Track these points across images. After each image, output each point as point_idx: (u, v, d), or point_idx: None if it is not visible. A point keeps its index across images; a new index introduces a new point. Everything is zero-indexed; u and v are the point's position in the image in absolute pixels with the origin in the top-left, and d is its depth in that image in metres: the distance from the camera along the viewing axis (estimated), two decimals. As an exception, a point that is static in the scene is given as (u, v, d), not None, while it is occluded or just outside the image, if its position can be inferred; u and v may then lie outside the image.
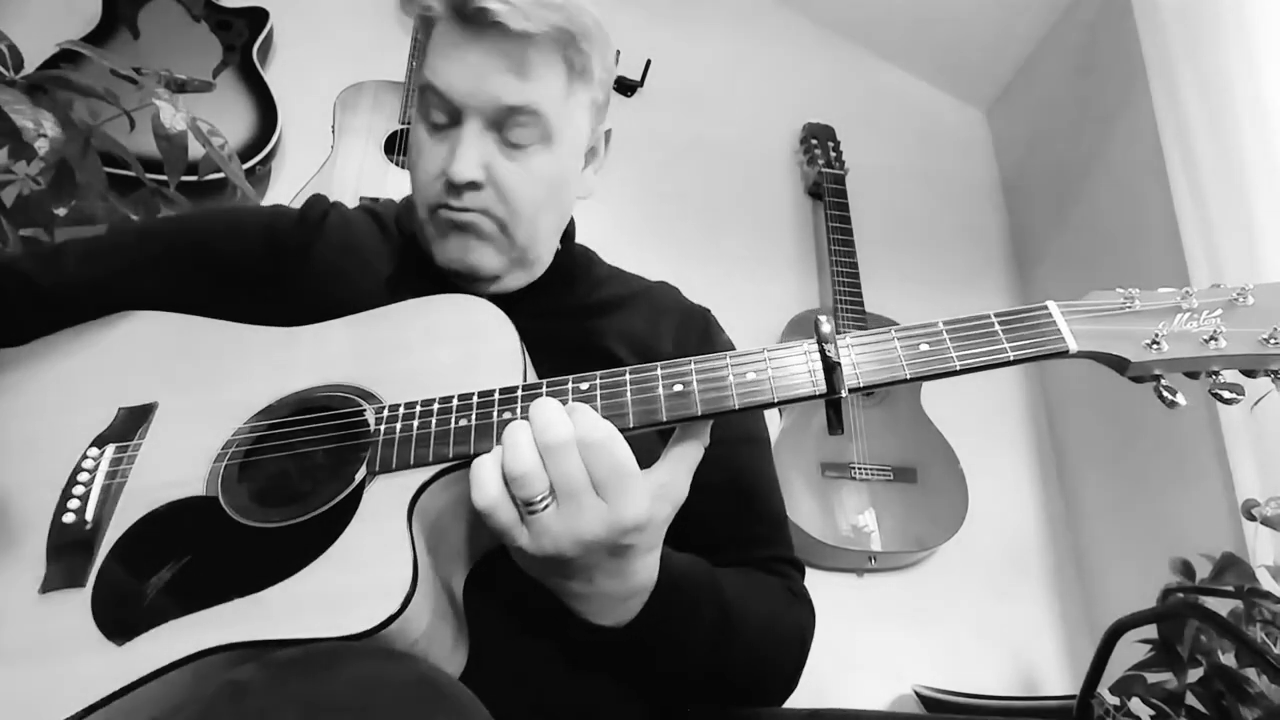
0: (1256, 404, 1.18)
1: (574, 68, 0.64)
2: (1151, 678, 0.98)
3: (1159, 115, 1.44)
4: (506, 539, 0.46)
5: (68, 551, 0.51)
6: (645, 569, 0.50)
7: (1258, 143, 1.25)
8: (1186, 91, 1.38)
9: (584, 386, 0.49)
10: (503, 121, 0.62)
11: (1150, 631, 0.98)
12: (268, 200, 1.56)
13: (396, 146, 1.56)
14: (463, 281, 0.67)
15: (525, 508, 0.45)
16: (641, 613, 0.51)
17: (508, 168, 0.63)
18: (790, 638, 0.62)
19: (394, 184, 1.52)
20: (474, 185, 0.62)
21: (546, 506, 0.45)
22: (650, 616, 0.51)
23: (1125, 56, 1.64)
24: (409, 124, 1.58)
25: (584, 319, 0.71)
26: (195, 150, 1.08)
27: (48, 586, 0.50)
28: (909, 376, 0.48)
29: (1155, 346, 0.48)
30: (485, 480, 0.45)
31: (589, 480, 0.45)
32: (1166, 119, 1.43)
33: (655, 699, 0.59)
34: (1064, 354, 0.49)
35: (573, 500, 0.45)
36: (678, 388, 0.49)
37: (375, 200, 1.49)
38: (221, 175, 1.19)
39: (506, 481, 0.45)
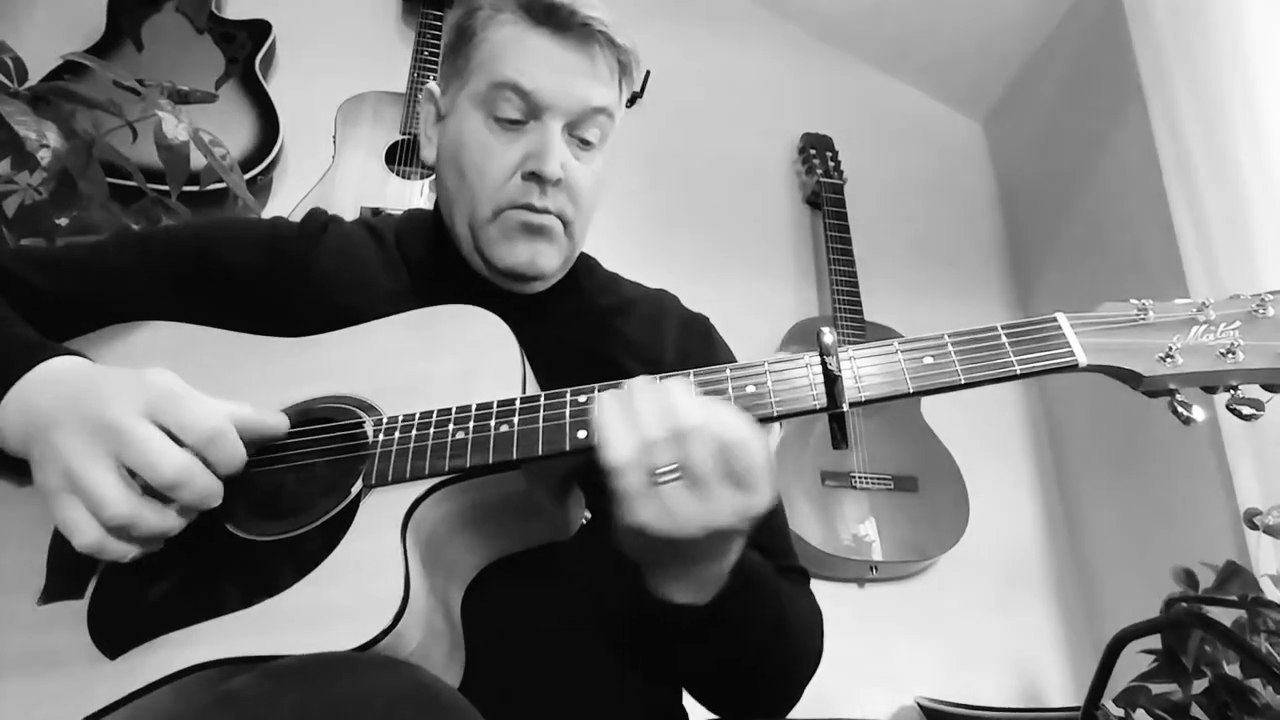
0: (1257, 412, 1.18)
1: (627, 74, 0.68)
2: (1156, 688, 0.97)
3: (1154, 123, 1.45)
4: (630, 509, 0.46)
5: (68, 563, 0.51)
6: (736, 549, 0.50)
7: (1252, 150, 1.25)
8: (1181, 99, 1.39)
9: (582, 399, 0.49)
10: (580, 122, 0.64)
11: (1154, 642, 0.97)
12: (268, 211, 1.56)
13: (397, 157, 1.57)
14: (517, 283, 0.67)
15: (652, 475, 0.45)
16: (721, 591, 0.51)
17: (577, 167, 0.65)
18: (817, 644, 0.63)
19: (394, 194, 1.52)
20: (557, 182, 0.64)
21: (674, 478, 0.44)
22: (727, 595, 0.52)
23: (1120, 66, 1.65)
24: (410, 134, 1.59)
25: (591, 323, 0.72)
26: (197, 161, 1.09)
27: (46, 598, 0.50)
28: (911, 391, 0.47)
29: (1169, 360, 0.47)
30: (617, 437, 0.45)
31: (721, 471, 0.45)
32: (1162, 127, 1.44)
33: (696, 689, 0.60)
34: (1073, 368, 0.48)
35: (704, 487, 0.45)
36: None
37: (376, 211, 1.51)
38: (223, 185, 1.20)
39: (639, 451, 0.44)
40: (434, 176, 0.74)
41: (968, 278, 2.02)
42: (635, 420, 0.45)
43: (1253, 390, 0.48)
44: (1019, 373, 0.47)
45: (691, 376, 0.49)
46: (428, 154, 0.72)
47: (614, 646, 0.58)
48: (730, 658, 0.56)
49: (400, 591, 0.44)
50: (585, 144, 0.66)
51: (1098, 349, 0.48)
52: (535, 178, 0.63)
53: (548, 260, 0.66)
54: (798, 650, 0.60)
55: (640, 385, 0.46)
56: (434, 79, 0.73)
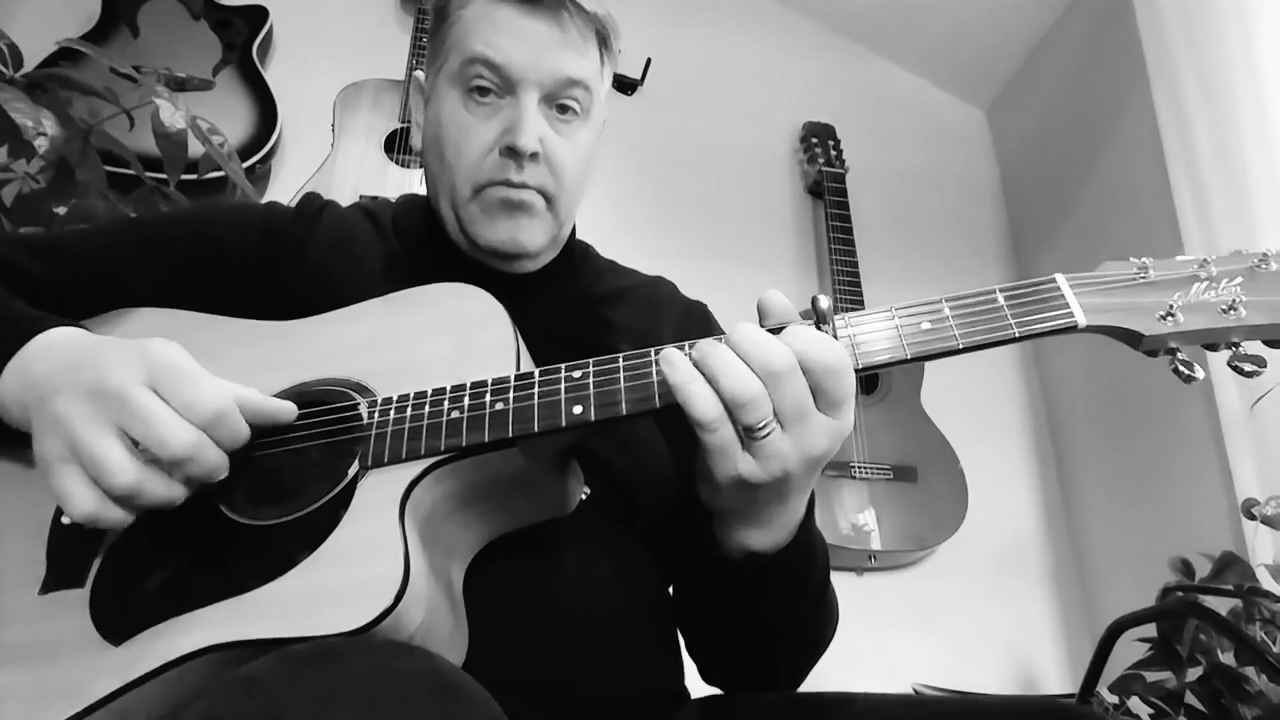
0: (1257, 403, 1.18)
1: (607, 46, 0.67)
2: (1151, 676, 0.98)
3: (1159, 112, 1.44)
4: (720, 466, 0.45)
5: (67, 551, 0.51)
6: (815, 480, 0.50)
7: (1257, 139, 1.25)
8: (1186, 88, 1.38)
9: (576, 375, 0.49)
10: (557, 94, 0.64)
11: (1150, 630, 0.98)
12: (267, 199, 1.56)
13: (396, 145, 1.56)
14: (503, 262, 0.67)
15: (748, 434, 0.44)
16: (798, 533, 0.52)
17: (558, 141, 0.64)
18: (838, 615, 0.64)
19: (393, 182, 1.52)
20: (534, 156, 0.62)
21: (771, 430, 0.44)
22: (801, 540, 0.52)
23: (1126, 54, 1.64)
24: (409, 122, 1.58)
25: (588, 310, 0.71)
26: (195, 148, 1.08)
27: (47, 587, 0.50)
28: (909, 357, 0.47)
29: (1170, 318, 0.46)
30: (702, 399, 0.44)
31: (816, 402, 0.44)
32: (1167, 116, 1.43)
33: (724, 655, 0.62)
34: (1073, 329, 0.47)
35: (803, 421, 0.44)
36: None
37: (374, 199, 1.50)
38: (221, 174, 1.19)
39: (726, 407, 0.44)
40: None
41: (970, 267, 2.01)
42: (727, 380, 0.43)
43: (1254, 347, 0.47)
44: (1017, 335, 0.47)
45: (689, 347, 0.48)
46: (416, 140, 0.72)
47: (615, 623, 0.58)
48: (785, 612, 0.56)
49: (400, 572, 0.44)
50: (565, 117, 0.65)
51: (1097, 309, 0.47)
52: (511, 152, 0.62)
53: (530, 236, 0.65)
54: (833, 611, 0.62)
55: (712, 341, 0.45)
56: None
